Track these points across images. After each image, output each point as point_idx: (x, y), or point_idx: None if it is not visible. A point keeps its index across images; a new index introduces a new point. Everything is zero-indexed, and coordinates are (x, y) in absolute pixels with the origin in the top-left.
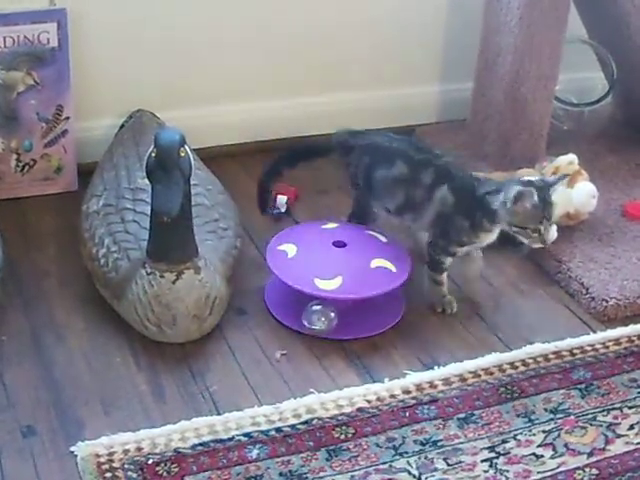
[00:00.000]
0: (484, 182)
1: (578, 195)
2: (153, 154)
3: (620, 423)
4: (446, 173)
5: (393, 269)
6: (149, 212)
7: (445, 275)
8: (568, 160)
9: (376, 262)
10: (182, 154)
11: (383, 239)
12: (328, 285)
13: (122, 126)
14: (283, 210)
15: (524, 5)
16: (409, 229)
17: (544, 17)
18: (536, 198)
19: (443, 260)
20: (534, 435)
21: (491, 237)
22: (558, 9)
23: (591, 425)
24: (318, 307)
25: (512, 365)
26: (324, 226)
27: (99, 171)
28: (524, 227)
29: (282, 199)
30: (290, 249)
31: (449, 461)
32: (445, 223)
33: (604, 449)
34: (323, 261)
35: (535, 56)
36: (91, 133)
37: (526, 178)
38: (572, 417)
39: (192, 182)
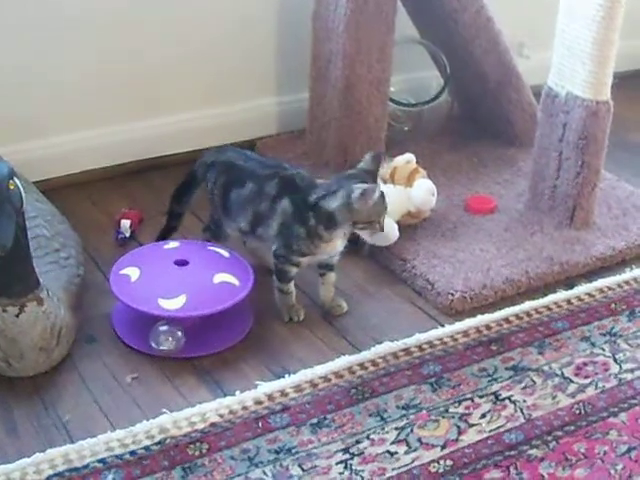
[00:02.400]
0: (316, 188)
1: (417, 193)
2: None
3: (472, 413)
4: (289, 184)
5: (236, 283)
6: None
7: (292, 284)
8: (405, 159)
9: (219, 277)
10: (11, 187)
11: (225, 254)
12: (172, 304)
13: None
14: (127, 234)
15: (350, 11)
16: (255, 247)
17: (370, 21)
18: (378, 193)
19: (288, 269)
20: (387, 433)
21: (333, 247)
22: (384, 12)
23: (443, 417)
24: (164, 327)
25: (362, 366)
26: (166, 246)
27: None
28: (370, 221)
29: (125, 223)
30: (133, 272)
31: (304, 467)
32: (286, 233)
33: (457, 440)
34: (166, 281)
35: (365, 60)
36: None
37: (350, 172)
38: (424, 411)
39: (31, 214)
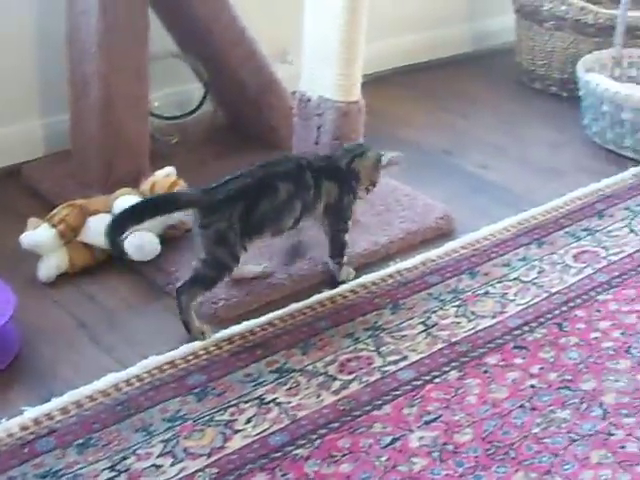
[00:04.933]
0: (337, 155)
1: None
2: None
3: (237, 419)
4: (317, 167)
5: None
6: None
7: None
8: (165, 173)
9: None
10: None
11: None
12: None
13: None
14: None
15: (101, 32)
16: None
17: (123, 39)
18: None
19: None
20: (153, 447)
21: None
22: (136, 29)
23: (209, 426)
24: None
25: (128, 382)
26: None
27: None
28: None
29: None
30: None
31: None
32: (338, 208)
33: (223, 447)
34: None
35: (121, 78)
36: None
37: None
38: (189, 422)
39: None
